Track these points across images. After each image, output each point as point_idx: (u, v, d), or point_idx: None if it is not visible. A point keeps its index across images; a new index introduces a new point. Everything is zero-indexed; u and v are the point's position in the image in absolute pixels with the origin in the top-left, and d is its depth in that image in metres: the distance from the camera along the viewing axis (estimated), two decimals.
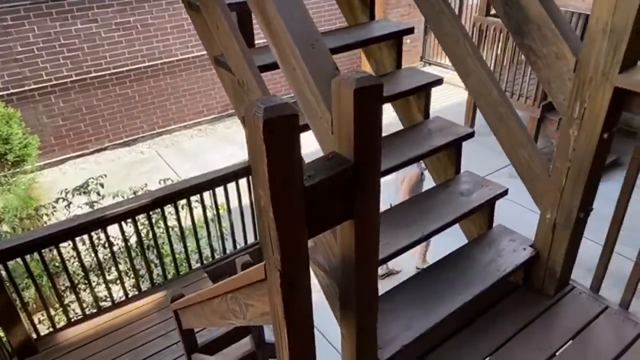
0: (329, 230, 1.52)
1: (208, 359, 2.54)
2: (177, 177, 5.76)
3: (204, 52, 1.79)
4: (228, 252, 4.09)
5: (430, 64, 9.27)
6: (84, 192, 3.89)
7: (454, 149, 2.15)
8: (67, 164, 6.61)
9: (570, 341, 1.84)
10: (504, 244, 2.04)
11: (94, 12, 6.19)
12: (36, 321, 3.46)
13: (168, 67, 6.90)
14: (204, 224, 3.83)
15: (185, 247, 3.81)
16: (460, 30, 2.01)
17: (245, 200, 3.76)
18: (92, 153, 6.81)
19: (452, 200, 2.02)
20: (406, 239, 1.83)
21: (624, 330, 1.86)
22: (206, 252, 4.01)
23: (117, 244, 3.81)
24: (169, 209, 3.69)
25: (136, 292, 3.74)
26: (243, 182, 3.71)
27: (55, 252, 3.30)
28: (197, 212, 3.77)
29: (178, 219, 3.65)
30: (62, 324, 3.48)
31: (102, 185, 3.99)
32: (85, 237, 3.36)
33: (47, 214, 4.12)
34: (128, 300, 3.65)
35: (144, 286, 3.90)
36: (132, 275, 3.73)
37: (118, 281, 3.65)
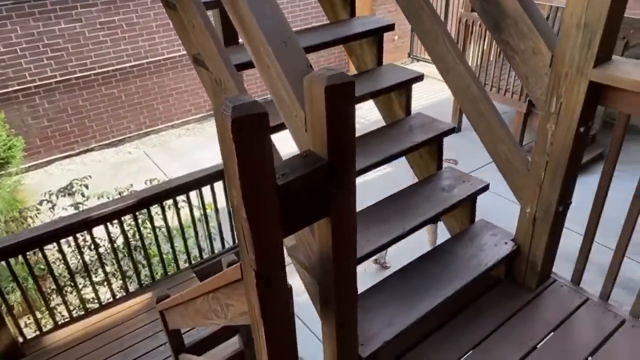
0: (308, 228, 1.53)
1: (195, 359, 2.53)
2: (165, 177, 5.72)
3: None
4: (216, 251, 4.08)
5: (418, 60, 9.29)
6: (69, 194, 3.85)
7: (435, 145, 2.16)
8: (53, 166, 6.54)
9: (551, 334, 1.86)
10: (485, 238, 2.05)
11: (78, 11, 6.12)
12: (22, 325, 3.43)
13: (154, 66, 6.85)
14: (192, 223, 3.82)
15: (172, 247, 3.79)
16: (440, 27, 2.01)
17: None
18: (78, 154, 6.74)
19: (434, 196, 2.03)
20: (387, 235, 1.83)
21: (604, 322, 1.88)
22: (194, 252, 3.99)
23: (104, 246, 3.77)
24: (155, 209, 3.67)
25: (124, 294, 3.72)
26: None
27: (40, 254, 3.27)
28: (185, 212, 3.75)
29: (165, 219, 3.63)
30: (48, 327, 3.45)
31: (86, 187, 3.95)
32: (71, 239, 3.33)
33: (31, 217, 4.07)
34: (115, 301, 3.63)
35: (132, 287, 3.87)
36: (120, 277, 3.70)
37: (105, 283, 3.62)
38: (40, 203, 3.95)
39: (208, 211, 3.83)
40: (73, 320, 3.49)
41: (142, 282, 3.83)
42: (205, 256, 4.01)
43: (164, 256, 3.88)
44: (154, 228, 3.64)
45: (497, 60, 6.14)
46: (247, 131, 0.96)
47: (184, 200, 3.66)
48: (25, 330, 3.33)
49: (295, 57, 1.30)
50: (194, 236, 3.89)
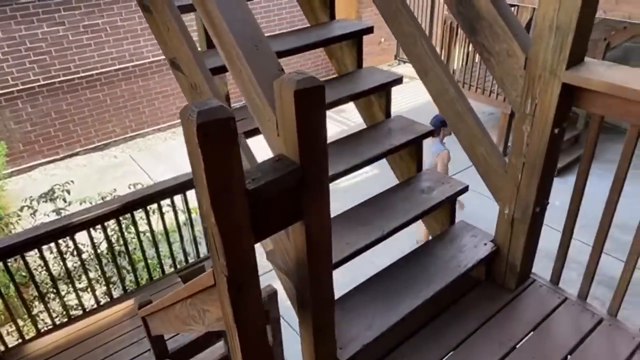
0: (284, 233, 1.52)
1: None
2: (151, 181, 5.68)
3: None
4: (202, 255, 4.05)
5: (405, 62, 9.34)
6: (50, 199, 3.80)
7: (414, 147, 2.17)
8: (36, 171, 6.45)
9: (531, 334, 1.87)
10: (465, 239, 2.06)
11: (61, 14, 6.05)
12: (4, 333, 3.37)
13: (140, 69, 6.80)
14: (176, 228, 3.78)
15: (157, 252, 3.76)
16: (418, 30, 2.02)
17: None
18: (62, 159, 6.66)
19: (413, 198, 2.04)
20: (367, 237, 1.84)
21: (582, 321, 1.90)
22: (180, 256, 3.96)
23: (87, 251, 3.73)
24: (139, 214, 3.63)
25: (108, 300, 3.67)
26: None
27: (21, 261, 3.22)
28: (170, 216, 3.72)
29: (149, 224, 3.60)
30: (31, 334, 3.40)
31: (68, 192, 3.90)
32: (53, 245, 3.28)
33: (11, 223, 4.01)
34: (99, 307, 3.59)
35: (116, 293, 3.83)
36: (103, 283, 3.66)
37: (89, 289, 3.58)
38: (21, 209, 3.89)
39: (193, 215, 3.81)
40: (56, 327, 3.44)
41: (127, 287, 3.79)
42: (190, 260, 3.98)
43: (149, 261, 3.84)
44: (138, 233, 3.61)
45: (482, 62, 6.19)
46: (213, 136, 0.95)
47: (168, 205, 3.63)
48: (7, 339, 3.27)
49: (266, 60, 1.30)
50: (179, 240, 3.85)
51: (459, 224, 2.17)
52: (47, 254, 3.32)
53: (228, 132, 0.97)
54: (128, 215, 3.56)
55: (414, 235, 4.53)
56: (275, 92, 1.11)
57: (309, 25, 2.40)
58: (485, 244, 2.02)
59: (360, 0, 8.22)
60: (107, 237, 3.44)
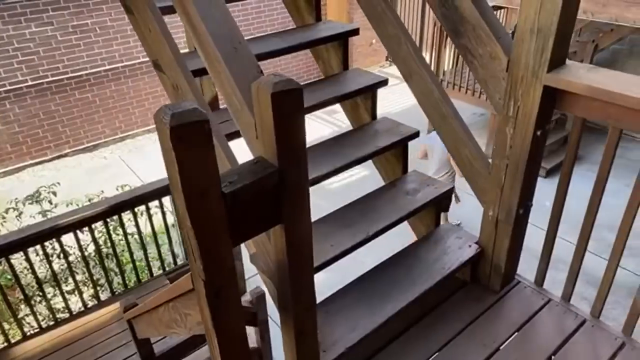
0: (266, 236, 1.51)
1: None
2: (141, 182, 5.63)
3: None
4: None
5: None
6: (36, 201, 3.76)
7: (400, 148, 2.17)
8: (25, 172, 6.38)
9: (514, 335, 1.87)
10: (450, 241, 2.06)
11: (49, 14, 6.00)
12: None
13: (129, 70, 6.75)
14: (165, 229, 3.76)
15: (145, 254, 3.74)
16: (402, 31, 2.02)
17: None
18: (51, 160, 6.60)
19: (398, 199, 2.04)
20: (351, 239, 1.83)
21: (565, 322, 1.91)
22: (168, 258, 3.94)
23: (74, 254, 3.70)
24: (127, 216, 3.61)
25: (95, 302, 3.64)
26: None
27: (7, 264, 3.18)
28: (158, 218, 3.70)
29: (137, 226, 3.57)
30: (17, 338, 3.36)
31: (54, 194, 3.86)
32: (39, 247, 3.25)
33: None
34: (87, 310, 3.56)
35: (104, 295, 3.80)
36: (91, 285, 3.63)
37: (76, 292, 3.55)
38: (7, 211, 3.85)
39: None
40: (42, 330, 3.41)
41: (115, 290, 3.76)
42: (179, 262, 3.96)
43: (137, 263, 3.82)
44: (125, 235, 3.58)
45: None
46: (187, 139, 0.94)
47: (156, 206, 3.61)
48: None
49: (245, 62, 1.29)
50: (168, 242, 3.83)
51: (444, 226, 2.18)
52: (33, 256, 3.29)
53: (202, 135, 0.96)
54: (116, 217, 3.53)
55: (405, 235, 4.57)
56: (253, 95, 1.10)
57: (295, 26, 2.39)
58: (470, 246, 2.03)
59: (351, 1, 8.23)
60: (94, 239, 3.41)
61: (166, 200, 3.62)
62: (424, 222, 2.22)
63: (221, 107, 2.22)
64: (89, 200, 3.97)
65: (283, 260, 1.32)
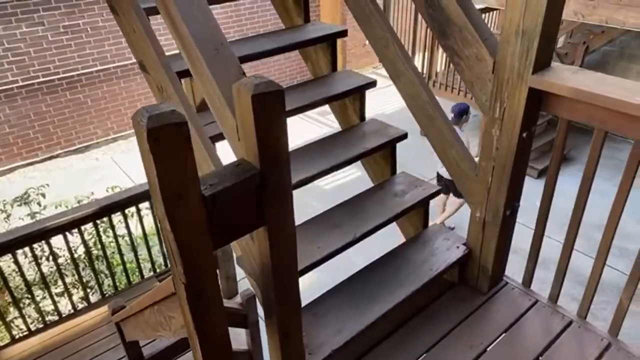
0: (250, 239, 1.50)
1: None
2: (133, 184, 5.60)
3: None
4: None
5: None
6: (25, 203, 3.73)
7: (388, 150, 2.17)
8: (15, 173, 6.33)
9: (502, 336, 1.87)
10: (438, 242, 2.06)
11: (40, 15, 5.96)
12: None
13: (122, 70, 6.72)
14: (156, 231, 3.74)
15: (136, 256, 3.71)
16: (390, 33, 2.02)
17: None
18: (42, 161, 6.55)
19: (386, 201, 2.03)
20: (338, 241, 1.83)
21: (552, 323, 1.92)
22: (159, 260, 3.92)
23: (64, 256, 3.67)
24: (118, 217, 3.59)
25: (85, 305, 3.62)
26: None
27: None
28: (149, 219, 3.68)
29: (127, 227, 3.55)
30: (5, 341, 3.33)
31: (43, 195, 3.83)
32: (27, 249, 3.22)
33: None
34: (76, 313, 3.53)
35: (94, 298, 3.77)
36: (81, 287, 3.60)
37: (65, 294, 3.52)
38: None
39: None
40: (31, 333, 3.37)
41: (105, 292, 3.73)
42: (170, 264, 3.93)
43: (128, 265, 3.79)
44: (115, 237, 3.56)
45: None
46: (165, 141, 0.93)
47: (147, 208, 3.59)
48: None
49: (227, 64, 1.28)
50: (159, 244, 3.81)
51: (432, 227, 2.18)
52: (21, 258, 3.26)
53: (180, 137, 0.95)
54: (106, 219, 3.51)
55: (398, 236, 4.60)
56: (234, 96, 1.09)
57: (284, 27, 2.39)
58: (458, 247, 2.03)
59: (344, 2, 8.22)
60: (84, 241, 3.39)
61: None
62: (412, 223, 2.22)
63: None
64: (79, 202, 3.94)
65: (267, 263, 1.31)
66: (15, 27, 5.86)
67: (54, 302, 3.46)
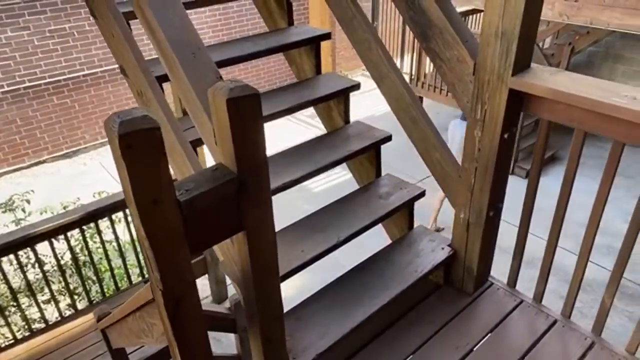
0: (231, 243, 1.49)
1: None
2: (121, 189, 5.55)
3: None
4: None
5: None
6: (9, 210, 3.68)
7: (373, 152, 2.17)
8: (1, 179, 6.26)
9: (487, 337, 1.88)
10: (423, 244, 2.07)
11: (25, 19, 5.90)
12: None
13: (109, 74, 6.67)
14: None
15: (124, 261, 3.68)
16: (373, 36, 2.02)
17: None
18: (29, 167, 6.48)
19: (371, 203, 2.03)
20: (322, 245, 1.82)
21: (537, 323, 1.92)
22: None
23: (50, 262, 3.62)
24: (105, 223, 3.55)
25: (72, 312, 3.57)
26: None
27: None
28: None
29: (114, 233, 3.52)
30: None
31: (28, 202, 3.79)
32: (13, 257, 3.17)
33: None
34: (63, 320, 3.49)
35: (81, 305, 3.73)
36: (67, 294, 3.56)
37: (52, 301, 3.47)
38: None
39: None
40: (17, 342, 3.32)
41: (93, 298, 3.69)
42: None
43: (116, 271, 3.76)
44: (102, 242, 3.52)
45: None
46: (137, 147, 0.92)
47: None
48: None
49: (204, 68, 1.27)
50: None
51: (417, 229, 2.18)
52: (6, 266, 3.21)
53: (153, 143, 0.94)
54: (93, 225, 3.47)
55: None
56: (209, 101, 1.09)
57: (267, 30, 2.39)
58: (443, 248, 2.03)
59: None
60: (70, 248, 3.35)
61: None
62: (397, 225, 2.22)
63: None
64: (64, 208, 3.90)
65: (247, 268, 1.30)
66: (0, 31, 5.80)
67: (41, 310, 3.42)
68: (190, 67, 1.25)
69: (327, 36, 2.20)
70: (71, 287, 3.60)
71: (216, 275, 4.07)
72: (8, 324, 3.30)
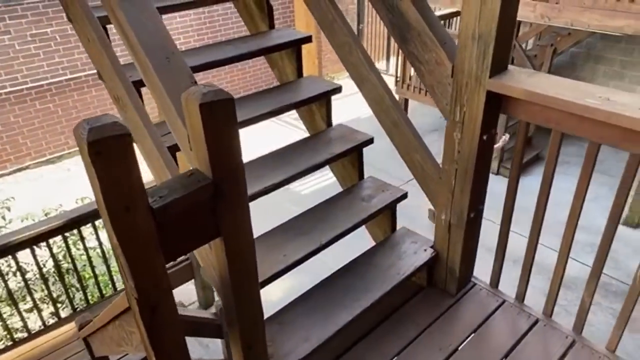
0: (209, 249, 1.48)
1: None
2: None
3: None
4: None
5: None
6: None
7: (355, 155, 2.17)
8: None
9: (470, 338, 1.89)
10: (405, 246, 2.07)
11: (6, 23, 5.81)
12: None
13: (92, 79, 6.59)
14: None
15: (108, 268, 3.63)
16: (353, 39, 2.02)
17: None
18: (11, 173, 6.37)
19: (353, 206, 2.03)
20: (304, 248, 1.82)
21: (518, 323, 1.94)
22: None
23: (32, 270, 3.56)
24: (88, 229, 3.50)
25: (56, 320, 3.51)
26: None
27: None
28: None
29: (98, 239, 3.47)
30: None
31: (8, 209, 3.72)
32: None
33: None
34: (46, 329, 3.43)
35: (65, 313, 3.67)
36: (51, 303, 3.50)
37: (35, 310, 3.41)
38: None
39: None
40: None
41: (76, 306, 3.64)
42: None
43: (100, 278, 3.71)
44: (86, 249, 3.47)
45: None
46: (107, 154, 0.91)
47: None
48: None
49: (178, 73, 1.26)
50: None
51: (400, 231, 2.18)
52: None
53: (123, 149, 0.93)
54: (75, 231, 3.42)
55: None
56: (183, 106, 1.08)
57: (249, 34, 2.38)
58: (425, 250, 2.04)
59: None
60: (52, 255, 3.29)
61: None
62: (380, 227, 2.22)
63: None
64: (46, 215, 3.84)
65: (225, 274, 1.29)
66: None
67: (23, 319, 3.36)
68: (164, 71, 1.24)
69: (308, 39, 2.20)
70: (54, 295, 3.55)
71: (202, 281, 4.03)
72: None
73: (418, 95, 6.19)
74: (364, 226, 2.12)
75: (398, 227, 2.23)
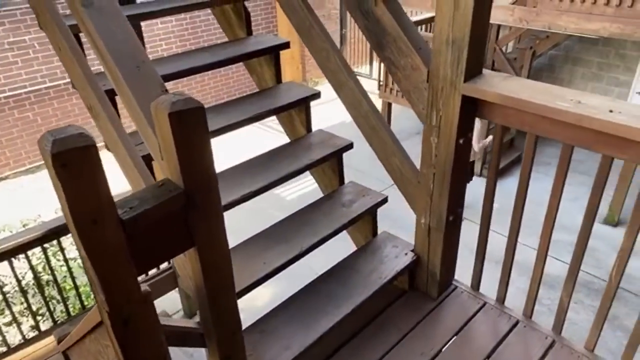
0: (185, 259, 1.46)
1: None
2: None
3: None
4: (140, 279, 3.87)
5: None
6: None
7: (335, 160, 2.17)
8: None
9: (451, 341, 1.89)
10: (387, 250, 2.07)
11: None
12: None
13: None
14: None
15: (90, 279, 3.56)
16: (330, 45, 2.03)
17: None
18: None
19: (334, 212, 2.03)
20: (285, 255, 1.81)
21: (500, 324, 1.95)
22: None
23: (10, 283, 3.48)
24: (69, 240, 3.43)
25: (36, 333, 3.44)
26: None
27: None
28: None
29: (79, 250, 3.40)
30: None
31: None
32: None
33: None
34: (26, 342, 3.35)
35: (45, 325, 3.59)
36: (30, 316, 3.42)
37: (14, 323, 3.33)
38: None
39: None
40: None
41: (57, 318, 3.56)
42: None
43: (81, 289, 3.64)
44: (66, 260, 3.41)
45: None
46: (72, 166, 0.89)
47: None
48: None
49: (148, 81, 1.25)
50: None
51: (381, 235, 2.19)
52: None
53: (89, 161, 0.91)
54: (55, 242, 3.36)
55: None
56: (152, 115, 1.06)
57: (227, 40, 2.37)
58: (406, 254, 2.04)
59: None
60: (31, 267, 3.22)
61: None
62: (362, 232, 2.22)
63: None
64: (24, 226, 3.76)
65: (200, 284, 1.27)
66: None
67: (1, 333, 3.28)
68: (134, 80, 1.23)
69: (286, 45, 2.20)
70: (34, 307, 3.47)
71: (186, 290, 3.99)
72: None
73: (402, 99, 6.23)
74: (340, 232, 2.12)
75: (381, 230, 2.23)
